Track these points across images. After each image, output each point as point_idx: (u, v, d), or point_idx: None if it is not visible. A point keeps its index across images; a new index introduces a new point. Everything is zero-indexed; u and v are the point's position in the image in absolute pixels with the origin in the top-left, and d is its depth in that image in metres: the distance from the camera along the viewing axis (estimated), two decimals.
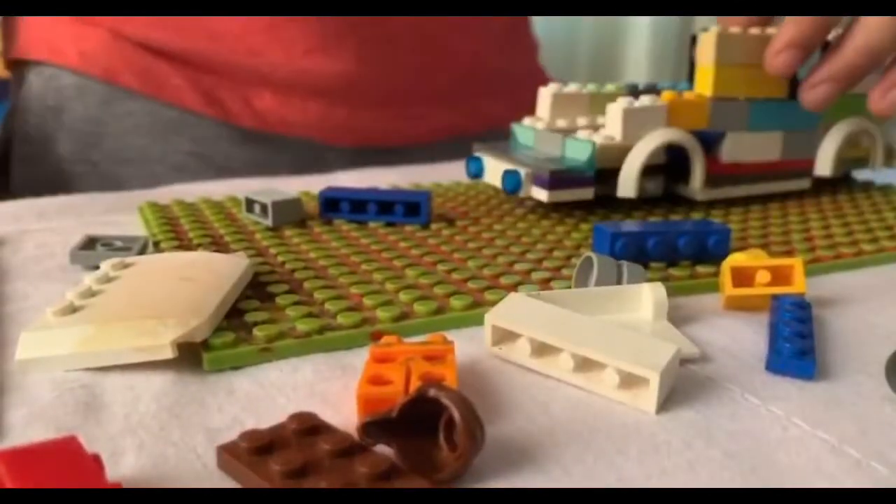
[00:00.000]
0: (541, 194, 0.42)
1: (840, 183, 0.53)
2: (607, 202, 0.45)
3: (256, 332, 0.28)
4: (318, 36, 0.62)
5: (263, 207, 0.42)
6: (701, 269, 0.35)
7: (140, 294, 0.29)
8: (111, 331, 0.26)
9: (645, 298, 0.30)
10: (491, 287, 0.33)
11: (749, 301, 0.32)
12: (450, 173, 0.54)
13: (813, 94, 0.43)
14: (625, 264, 0.32)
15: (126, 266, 0.32)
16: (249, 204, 0.43)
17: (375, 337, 0.28)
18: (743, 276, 0.32)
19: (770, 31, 0.44)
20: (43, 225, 0.42)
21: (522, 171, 0.42)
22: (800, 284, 0.31)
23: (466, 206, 0.46)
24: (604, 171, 0.42)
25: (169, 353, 0.25)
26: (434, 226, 0.42)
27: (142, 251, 0.36)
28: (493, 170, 0.44)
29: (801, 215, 0.45)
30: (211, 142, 0.65)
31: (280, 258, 0.36)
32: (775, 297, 0.31)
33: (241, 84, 0.64)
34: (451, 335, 0.27)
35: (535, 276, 0.34)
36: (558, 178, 0.42)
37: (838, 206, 0.48)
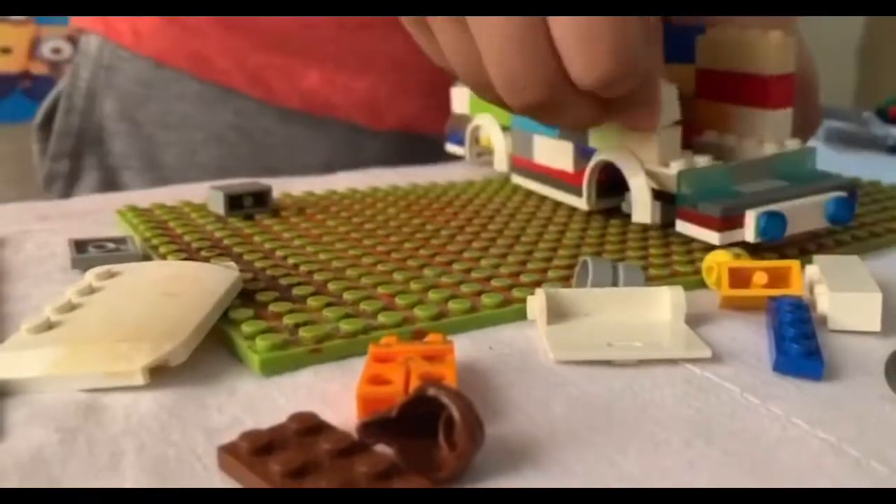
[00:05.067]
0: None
1: None
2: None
3: (303, 333, 0.27)
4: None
5: (257, 197, 0.42)
6: (680, 268, 0.36)
7: (118, 311, 0.28)
8: (83, 353, 0.25)
9: (664, 301, 0.30)
10: (515, 285, 0.33)
11: (745, 301, 0.32)
12: (450, 174, 0.54)
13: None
14: (620, 266, 0.32)
15: (111, 276, 0.31)
16: (234, 200, 0.43)
17: (419, 335, 0.28)
18: (740, 277, 0.32)
19: None
20: (44, 226, 0.43)
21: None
22: (797, 286, 0.31)
23: (444, 209, 0.46)
24: None
25: (140, 380, 0.25)
26: (429, 226, 0.42)
27: (136, 251, 0.36)
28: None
29: None
30: (253, 117, 0.66)
31: (291, 260, 0.36)
32: (772, 298, 0.31)
33: (288, 60, 0.65)
34: (450, 334, 0.27)
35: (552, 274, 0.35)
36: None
37: None
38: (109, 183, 0.68)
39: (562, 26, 0.30)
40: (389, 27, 0.62)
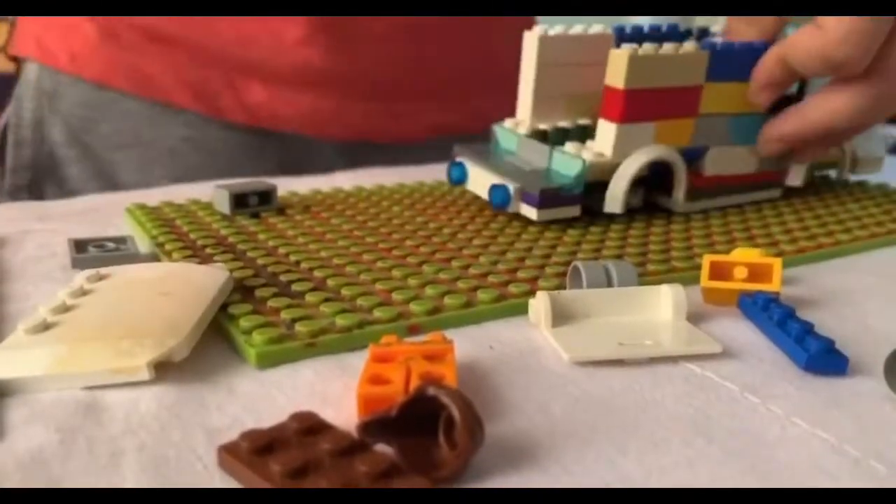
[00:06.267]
0: (530, 212, 0.41)
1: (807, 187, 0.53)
2: (588, 210, 0.44)
3: (299, 327, 0.28)
4: (308, 26, 0.62)
5: (262, 196, 0.42)
6: (678, 263, 0.36)
7: (116, 311, 0.28)
8: (85, 351, 0.25)
9: (664, 299, 0.30)
10: (511, 281, 0.33)
11: (728, 296, 0.32)
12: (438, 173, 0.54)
13: (766, 147, 0.46)
14: (612, 265, 0.32)
15: (102, 278, 0.31)
16: (239, 199, 0.43)
17: (413, 330, 0.29)
18: (721, 271, 0.32)
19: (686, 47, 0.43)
20: (44, 226, 0.43)
21: (511, 187, 0.41)
22: (776, 283, 0.32)
23: (448, 207, 0.47)
24: (590, 184, 0.42)
25: (146, 375, 0.25)
26: (433, 223, 0.42)
27: (135, 250, 0.36)
28: (478, 179, 0.44)
29: (777, 214, 0.47)
30: (203, 130, 0.65)
31: (293, 257, 0.36)
32: (748, 295, 0.31)
33: (231, 76, 0.64)
34: (450, 334, 0.27)
35: (550, 270, 0.35)
36: (548, 196, 0.41)
37: (810, 204, 0.49)
38: None
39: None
40: (331, 40, 0.62)
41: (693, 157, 0.45)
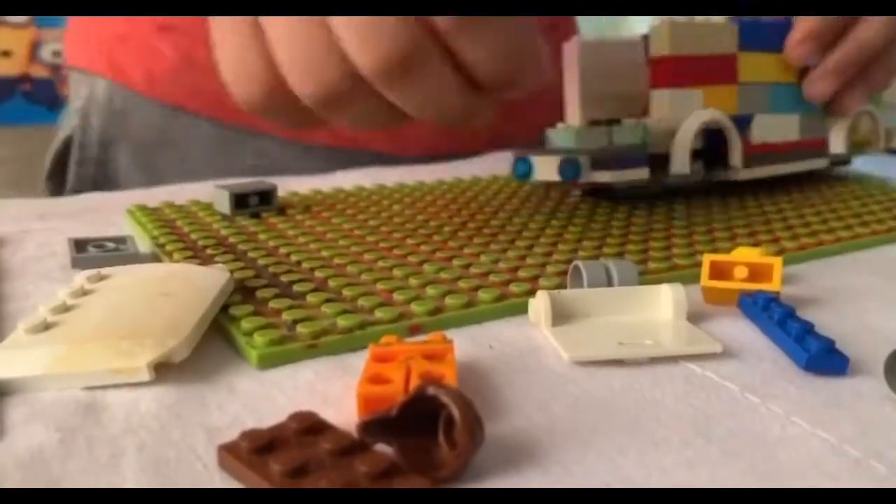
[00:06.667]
0: (603, 176, 0.43)
1: (810, 179, 0.55)
2: (593, 200, 0.45)
3: (300, 328, 0.28)
4: None
5: (262, 196, 0.42)
6: (680, 261, 0.36)
7: (116, 311, 0.28)
8: (85, 351, 0.25)
9: (664, 298, 0.30)
10: (512, 280, 0.33)
11: (728, 295, 0.32)
12: (454, 172, 0.54)
13: (814, 87, 0.48)
14: (612, 264, 0.32)
15: (102, 278, 0.31)
16: (239, 199, 0.43)
17: (414, 330, 0.29)
18: (721, 271, 0.32)
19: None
20: (44, 225, 0.43)
21: (581, 158, 0.43)
22: (776, 282, 0.32)
23: (449, 206, 0.47)
24: (651, 156, 0.45)
25: (145, 376, 0.25)
26: (434, 222, 0.42)
27: (135, 250, 0.36)
28: (545, 164, 0.44)
29: (778, 210, 0.47)
30: (275, 155, 0.64)
31: (294, 258, 0.36)
32: (748, 294, 0.31)
33: None
34: (450, 333, 0.27)
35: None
36: (619, 158, 0.43)
37: (811, 201, 0.50)
38: None
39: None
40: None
41: (740, 124, 0.48)
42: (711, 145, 0.47)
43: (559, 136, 0.47)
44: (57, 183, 0.68)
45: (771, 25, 0.49)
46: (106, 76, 0.65)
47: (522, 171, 0.46)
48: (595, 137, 0.45)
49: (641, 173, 0.44)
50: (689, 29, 0.46)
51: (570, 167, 0.43)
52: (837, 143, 0.52)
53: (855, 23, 0.47)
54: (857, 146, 0.53)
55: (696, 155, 0.46)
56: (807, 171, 0.52)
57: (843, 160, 0.54)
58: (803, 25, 0.47)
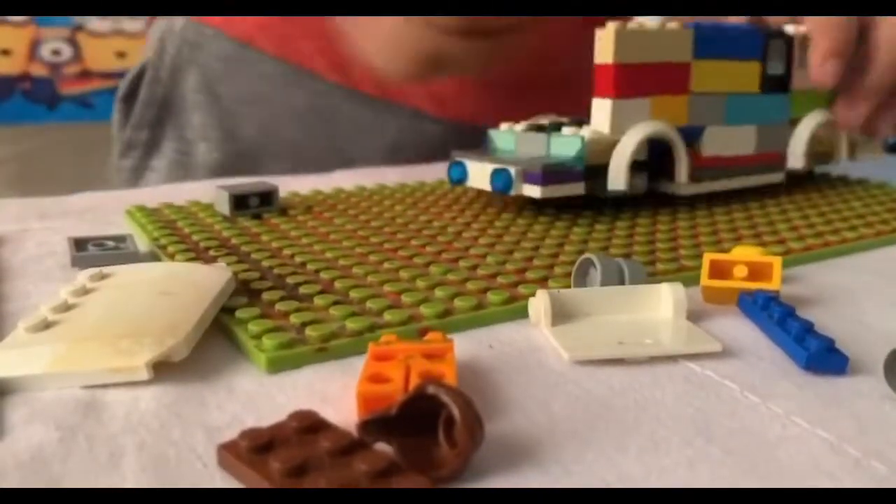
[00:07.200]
0: (533, 191, 0.41)
1: (807, 180, 0.54)
2: (592, 202, 0.45)
3: (309, 332, 0.27)
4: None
5: (263, 197, 0.42)
6: (687, 262, 0.36)
7: (116, 310, 0.28)
8: (84, 350, 0.25)
9: (664, 297, 0.30)
10: (521, 282, 0.33)
11: (728, 295, 0.32)
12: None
13: (822, 71, 0.46)
14: (624, 264, 0.32)
15: (104, 277, 0.31)
16: (239, 200, 0.43)
17: (423, 333, 0.28)
18: (721, 270, 0.32)
19: (671, 25, 0.44)
20: (44, 224, 0.43)
21: (512, 169, 0.42)
22: (776, 282, 0.32)
23: (451, 205, 0.47)
24: (590, 167, 0.42)
25: (144, 375, 0.24)
26: (438, 222, 0.42)
27: (135, 249, 0.36)
28: (479, 173, 0.44)
29: (782, 211, 0.47)
30: (328, 99, 0.68)
31: (298, 259, 0.36)
32: (748, 293, 0.31)
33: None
34: (450, 333, 0.27)
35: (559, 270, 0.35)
36: (550, 173, 0.41)
37: (812, 200, 0.49)
38: (185, 153, 0.71)
39: None
40: (464, 38, 0.64)
41: (690, 136, 0.45)
42: (657, 157, 0.45)
43: (500, 137, 0.47)
44: (129, 105, 0.73)
45: (731, 30, 0.46)
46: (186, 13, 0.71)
47: (457, 175, 0.45)
48: (533, 144, 0.44)
49: (576, 188, 0.42)
50: (636, 36, 0.43)
51: (500, 178, 0.42)
52: (796, 157, 0.50)
53: (867, 24, 0.46)
54: (820, 156, 0.52)
55: (640, 166, 0.44)
56: (762, 185, 0.50)
57: (802, 174, 0.52)
58: (820, 47, 0.45)
